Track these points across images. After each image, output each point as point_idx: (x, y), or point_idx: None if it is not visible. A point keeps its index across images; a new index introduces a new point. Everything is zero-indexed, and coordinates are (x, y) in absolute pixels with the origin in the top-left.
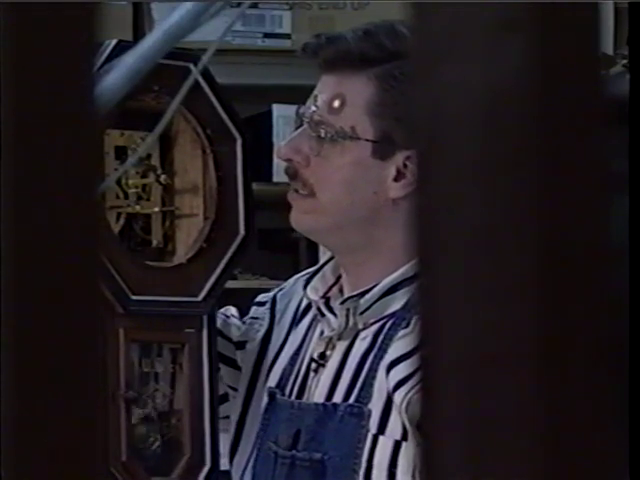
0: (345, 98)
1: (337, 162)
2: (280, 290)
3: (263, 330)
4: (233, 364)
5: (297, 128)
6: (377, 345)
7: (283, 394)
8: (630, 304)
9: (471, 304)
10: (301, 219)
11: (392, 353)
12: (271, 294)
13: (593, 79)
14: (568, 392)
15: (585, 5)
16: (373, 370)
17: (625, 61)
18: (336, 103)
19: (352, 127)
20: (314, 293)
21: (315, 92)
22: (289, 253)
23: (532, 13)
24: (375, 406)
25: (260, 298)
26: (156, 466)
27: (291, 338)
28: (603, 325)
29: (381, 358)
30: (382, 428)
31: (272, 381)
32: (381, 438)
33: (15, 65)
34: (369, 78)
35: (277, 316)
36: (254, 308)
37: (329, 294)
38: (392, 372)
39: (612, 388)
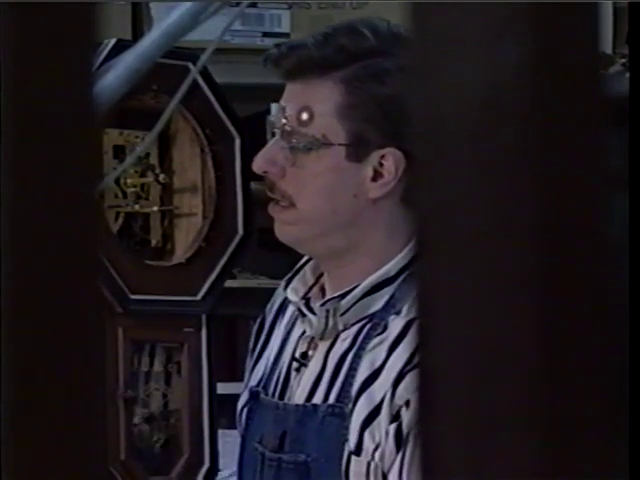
0: (312, 109)
1: (313, 170)
2: (268, 305)
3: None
4: None
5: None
6: (356, 345)
7: (267, 394)
8: (630, 304)
9: (470, 304)
10: (285, 230)
11: (374, 362)
12: (260, 318)
13: (593, 79)
14: (568, 392)
15: (585, 5)
16: (353, 369)
17: (624, 60)
18: (304, 116)
19: (323, 134)
20: (294, 294)
21: (282, 102)
22: (288, 252)
23: (532, 13)
24: (359, 414)
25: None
26: (155, 465)
27: (273, 337)
28: (603, 325)
29: (360, 358)
30: (359, 446)
31: (254, 380)
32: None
33: (14, 64)
34: (335, 83)
35: (265, 324)
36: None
37: (309, 294)
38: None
39: (612, 388)
